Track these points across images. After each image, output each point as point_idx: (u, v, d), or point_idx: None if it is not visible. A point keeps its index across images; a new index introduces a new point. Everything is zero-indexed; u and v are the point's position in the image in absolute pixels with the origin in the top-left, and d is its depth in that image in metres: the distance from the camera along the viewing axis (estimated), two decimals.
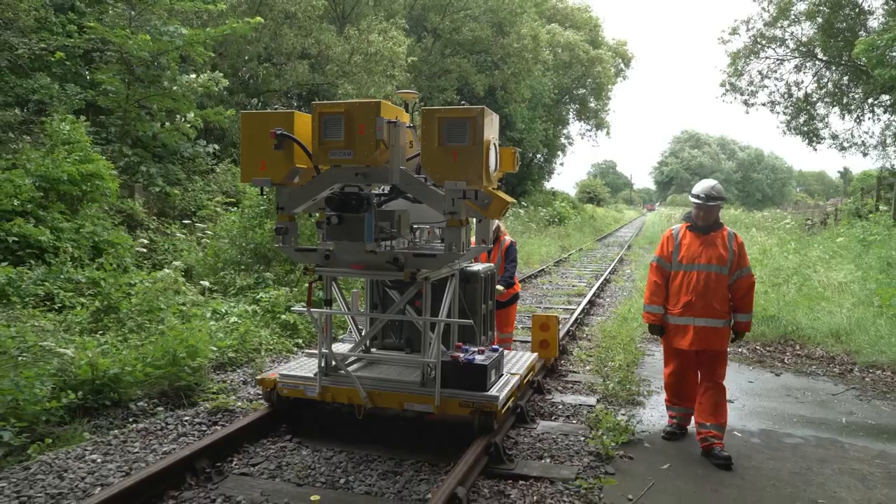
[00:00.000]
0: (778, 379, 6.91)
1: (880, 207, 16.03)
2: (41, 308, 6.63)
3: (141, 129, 10.84)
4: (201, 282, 7.74)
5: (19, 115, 10.95)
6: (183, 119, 11.07)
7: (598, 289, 12.92)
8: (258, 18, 12.05)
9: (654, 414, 5.56)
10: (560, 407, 5.68)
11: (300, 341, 7.58)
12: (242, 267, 8.49)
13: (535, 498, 3.89)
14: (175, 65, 11.46)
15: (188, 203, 11.16)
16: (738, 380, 6.70)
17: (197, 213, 11.01)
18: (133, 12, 11.35)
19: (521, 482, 4.12)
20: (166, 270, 7.16)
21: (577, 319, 9.46)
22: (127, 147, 11.25)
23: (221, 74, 11.53)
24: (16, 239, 7.43)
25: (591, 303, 11.34)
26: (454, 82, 26.36)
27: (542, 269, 16.25)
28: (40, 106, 11.75)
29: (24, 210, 7.77)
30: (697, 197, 4.84)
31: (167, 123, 11.15)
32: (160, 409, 5.26)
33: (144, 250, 8.20)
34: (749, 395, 6.29)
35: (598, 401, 5.81)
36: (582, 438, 4.87)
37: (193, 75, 11.33)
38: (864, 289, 9.82)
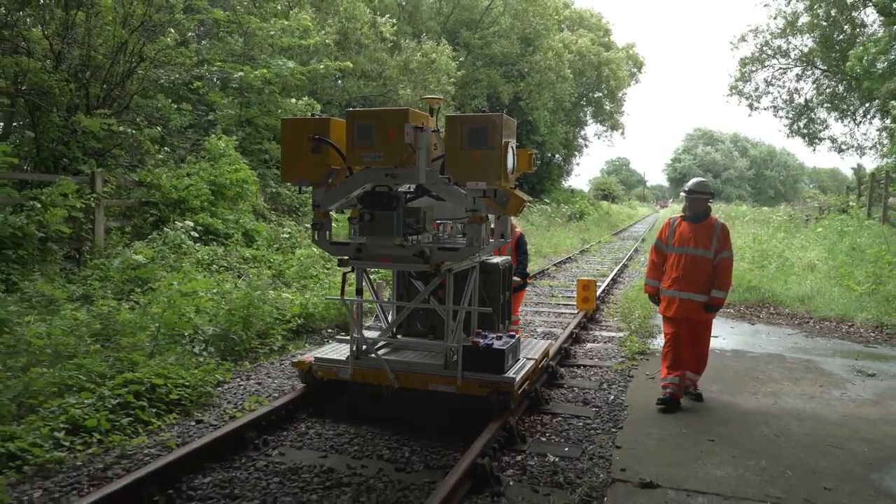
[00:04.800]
0: (752, 326, 9.66)
1: (850, 203, 18.70)
2: (227, 275, 9.55)
3: (256, 144, 13.77)
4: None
5: (159, 132, 13.88)
6: None
7: (618, 272, 15.71)
8: (348, 63, 15.16)
9: (662, 342, 8.32)
10: (600, 337, 8.52)
11: None
12: None
13: (592, 372, 6.73)
14: (278, 91, 14.39)
15: (293, 201, 14.08)
16: (724, 326, 9.43)
17: (300, 209, 13.94)
18: (247, 48, 14.30)
19: (581, 368, 6.94)
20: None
21: (604, 290, 12.28)
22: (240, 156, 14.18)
23: (316, 102, 14.53)
24: (202, 227, 10.34)
25: (613, 280, 14.13)
26: (483, 90, 29.15)
27: (569, 257, 19.08)
28: (162, 123, 14.69)
29: (202, 207, 10.69)
30: (683, 190, 5.87)
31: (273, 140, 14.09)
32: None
33: (287, 236, 11.10)
34: (730, 334, 9.03)
35: (624, 334, 8.61)
36: (616, 350, 7.69)
37: (293, 100, 14.26)
38: (829, 267, 12.54)
